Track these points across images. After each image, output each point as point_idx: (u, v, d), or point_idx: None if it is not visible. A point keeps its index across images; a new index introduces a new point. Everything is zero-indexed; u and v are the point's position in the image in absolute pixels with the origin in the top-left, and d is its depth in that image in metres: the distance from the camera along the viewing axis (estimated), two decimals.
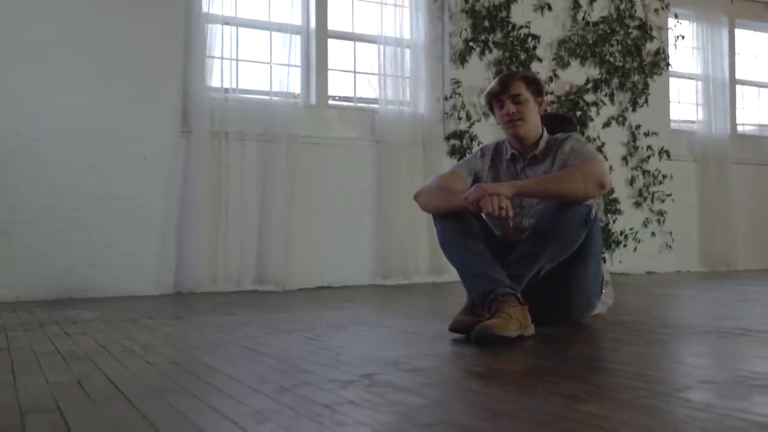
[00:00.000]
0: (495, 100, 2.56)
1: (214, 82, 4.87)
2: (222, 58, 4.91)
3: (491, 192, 2.26)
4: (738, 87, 7.23)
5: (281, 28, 5.11)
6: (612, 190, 6.13)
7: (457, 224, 2.43)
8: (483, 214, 2.34)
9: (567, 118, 3.22)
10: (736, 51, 7.22)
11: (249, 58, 5.08)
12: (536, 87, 2.57)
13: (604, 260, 6.00)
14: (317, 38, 5.31)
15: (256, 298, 4.21)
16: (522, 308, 2.23)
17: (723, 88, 6.90)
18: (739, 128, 7.23)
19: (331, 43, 5.39)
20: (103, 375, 1.67)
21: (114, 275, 4.49)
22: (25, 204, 4.30)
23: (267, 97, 5.04)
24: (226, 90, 4.92)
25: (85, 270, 4.43)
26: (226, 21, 4.94)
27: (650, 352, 2.04)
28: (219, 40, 4.90)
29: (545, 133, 2.63)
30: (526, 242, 2.39)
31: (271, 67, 5.10)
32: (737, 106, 7.21)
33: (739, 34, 7.26)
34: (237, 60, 5.00)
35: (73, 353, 2.04)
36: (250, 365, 1.80)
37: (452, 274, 5.21)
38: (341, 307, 3.51)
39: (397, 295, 4.30)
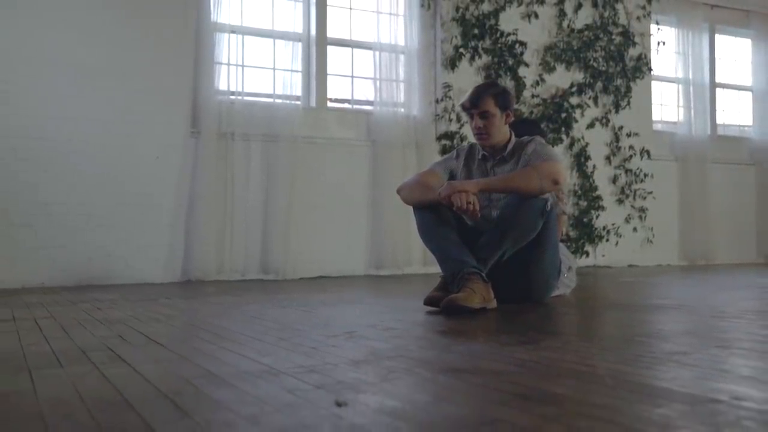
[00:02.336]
0: (467, 112, 2.95)
1: (222, 86, 5.28)
2: (229, 64, 5.31)
3: (459, 189, 2.65)
4: (718, 90, 7.61)
5: (284, 35, 5.51)
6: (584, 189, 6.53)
7: (433, 215, 2.82)
8: (453, 208, 2.73)
9: (535, 123, 3.61)
10: (717, 56, 7.60)
11: (254, 64, 5.48)
12: (505, 102, 2.93)
13: (586, 254, 6.43)
14: (317, 45, 5.71)
15: (258, 285, 4.61)
16: (485, 285, 2.63)
17: (703, 91, 7.28)
18: (719, 130, 7.61)
19: (330, 49, 5.78)
20: (137, 331, 2.07)
21: (128, 264, 4.90)
22: (49, 199, 4.71)
23: (270, 100, 5.44)
24: (233, 93, 5.32)
25: (103, 260, 4.84)
26: (233, 29, 5.34)
27: (584, 321, 2.43)
28: (226, 47, 5.30)
29: (513, 137, 3.02)
30: (491, 230, 2.79)
31: (274, 72, 5.50)
32: (717, 108, 7.59)
33: (720, 39, 7.64)
34: (243, 66, 5.39)
35: (108, 319, 2.44)
36: (254, 326, 2.20)
37: None
38: (335, 291, 3.91)
39: (389, 283, 4.70)
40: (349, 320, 2.38)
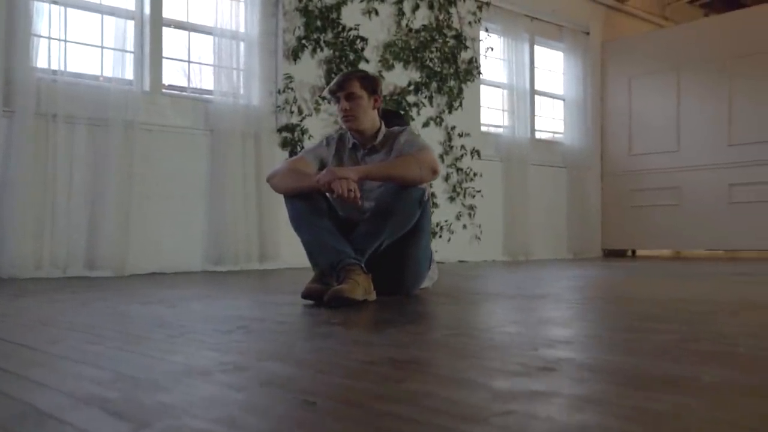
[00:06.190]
0: (334, 97, 2.87)
1: (41, 62, 4.71)
2: (50, 38, 4.76)
3: (341, 176, 2.56)
4: (537, 97, 8.16)
5: (114, 12, 5.05)
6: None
7: (307, 203, 2.70)
8: (333, 195, 2.62)
9: (400, 114, 3.60)
10: (536, 65, 8.14)
11: (79, 40, 4.96)
12: (371, 86, 2.90)
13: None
14: (151, 25, 5.30)
15: (87, 282, 4.16)
16: (366, 277, 2.55)
17: (525, 97, 7.76)
18: (537, 134, 8.16)
19: (166, 31, 5.40)
20: None
21: None
22: None
23: (98, 82, 4.96)
24: (54, 72, 4.77)
25: None
26: (53, 0, 4.79)
27: (466, 310, 2.44)
28: (46, 18, 4.75)
29: (383, 126, 2.97)
30: (368, 220, 2.72)
31: (102, 51, 5.03)
32: (536, 114, 8.13)
33: (538, 50, 8.19)
34: (65, 41, 4.86)
35: None
36: (131, 324, 1.93)
37: (280, 262, 5.50)
38: (184, 287, 3.63)
39: (231, 279, 4.46)
40: (228, 315, 2.19)
